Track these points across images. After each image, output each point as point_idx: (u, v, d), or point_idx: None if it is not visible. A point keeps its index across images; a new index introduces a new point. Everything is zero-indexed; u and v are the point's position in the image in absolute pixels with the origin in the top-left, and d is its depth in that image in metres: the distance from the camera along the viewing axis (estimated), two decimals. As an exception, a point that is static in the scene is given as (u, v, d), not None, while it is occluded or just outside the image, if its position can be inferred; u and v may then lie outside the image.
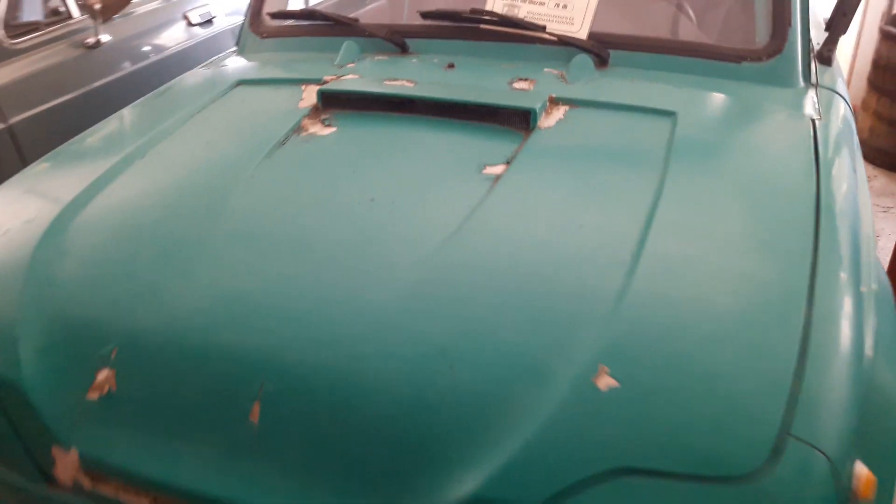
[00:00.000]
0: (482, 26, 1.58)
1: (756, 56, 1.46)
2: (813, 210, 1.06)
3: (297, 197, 1.18)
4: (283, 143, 1.32)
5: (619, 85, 1.43)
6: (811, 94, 1.44)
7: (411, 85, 1.44)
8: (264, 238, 1.08)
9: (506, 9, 1.58)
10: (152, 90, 1.76)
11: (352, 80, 1.51)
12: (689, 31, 1.65)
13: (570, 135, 1.28)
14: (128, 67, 2.97)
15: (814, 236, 1.01)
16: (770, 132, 1.32)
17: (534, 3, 1.56)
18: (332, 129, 1.35)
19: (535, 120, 1.29)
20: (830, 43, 1.60)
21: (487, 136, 1.30)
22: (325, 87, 1.45)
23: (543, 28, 1.53)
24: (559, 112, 1.34)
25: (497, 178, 1.16)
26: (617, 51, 1.50)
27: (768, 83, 1.45)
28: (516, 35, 1.56)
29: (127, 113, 1.63)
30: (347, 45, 1.65)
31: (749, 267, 0.96)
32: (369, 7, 2.32)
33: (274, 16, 1.85)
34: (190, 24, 3.36)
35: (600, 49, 1.50)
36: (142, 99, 1.71)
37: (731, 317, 0.88)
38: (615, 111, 1.34)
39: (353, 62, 1.61)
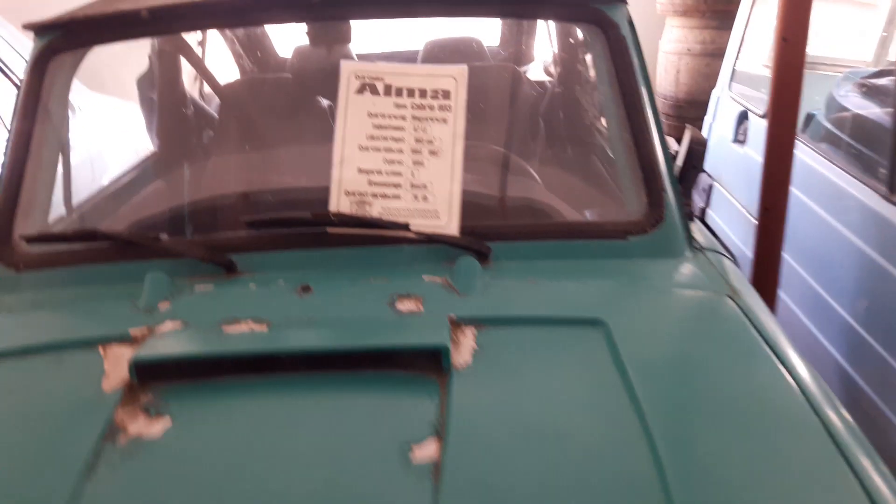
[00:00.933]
0: (332, 230, 1.28)
1: (640, 229, 1.34)
2: (807, 403, 0.95)
3: None
4: (94, 464, 0.86)
5: (519, 289, 1.20)
6: (702, 261, 1.35)
7: (262, 329, 1.08)
8: None
9: (355, 207, 1.30)
10: None
11: (173, 332, 1.09)
12: (553, 204, 1.50)
13: (498, 375, 1.00)
14: None
15: (825, 431, 0.90)
16: (708, 325, 1.18)
17: (388, 197, 1.30)
18: (164, 423, 0.93)
19: (449, 359, 1.00)
20: (687, 198, 1.55)
21: (391, 393, 0.98)
22: (138, 354, 1.02)
23: (407, 226, 1.27)
24: (468, 338, 1.06)
25: (436, 466, 0.84)
26: (496, 242, 1.29)
27: (657, 255, 1.32)
28: (376, 237, 1.28)
29: None
30: (152, 277, 1.22)
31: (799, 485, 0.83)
32: (144, 195, 1.90)
33: (32, 240, 1.37)
34: None
35: (480, 245, 1.27)
36: None
37: None
38: (533, 327, 1.10)
39: (165, 299, 1.19)
